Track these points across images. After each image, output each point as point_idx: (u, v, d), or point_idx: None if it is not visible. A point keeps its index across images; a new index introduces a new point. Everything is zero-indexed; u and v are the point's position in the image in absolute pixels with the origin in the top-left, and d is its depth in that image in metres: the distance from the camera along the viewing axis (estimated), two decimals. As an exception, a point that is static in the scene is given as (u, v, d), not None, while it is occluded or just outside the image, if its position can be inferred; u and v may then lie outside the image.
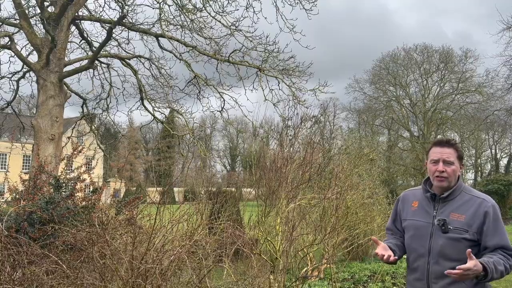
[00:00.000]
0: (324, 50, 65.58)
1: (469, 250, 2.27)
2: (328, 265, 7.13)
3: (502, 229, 2.46)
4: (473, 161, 54.07)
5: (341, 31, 75.08)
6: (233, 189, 10.90)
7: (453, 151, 2.55)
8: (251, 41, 11.96)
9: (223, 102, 13.37)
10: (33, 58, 11.73)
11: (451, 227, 2.45)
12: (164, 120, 15.27)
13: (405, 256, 2.78)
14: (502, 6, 41.97)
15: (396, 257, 2.58)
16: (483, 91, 39.65)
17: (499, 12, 40.03)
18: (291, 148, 6.70)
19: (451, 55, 42.43)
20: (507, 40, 24.02)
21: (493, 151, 54.78)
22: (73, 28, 12.05)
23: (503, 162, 54.18)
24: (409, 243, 2.65)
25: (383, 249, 2.56)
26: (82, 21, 12.36)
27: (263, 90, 12.51)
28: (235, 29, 11.81)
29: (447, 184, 2.53)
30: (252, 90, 12.85)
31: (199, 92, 13.57)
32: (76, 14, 11.13)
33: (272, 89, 12.63)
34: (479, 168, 55.45)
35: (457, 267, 2.23)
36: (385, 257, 2.51)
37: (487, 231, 2.42)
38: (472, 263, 2.23)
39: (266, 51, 12.12)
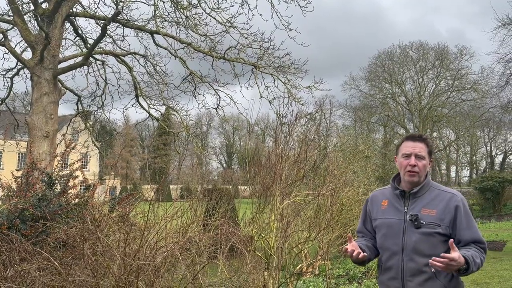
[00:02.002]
0: (319, 47, 65.70)
1: (451, 240, 2.25)
2: (323, 262, 7.15)
3: (473, 222, 2.48)
4: (468, 158, 54.36)
5: (335, 28, 75.27)
6: (229, 186, 10.90)
7: (424, 146, 2.53)
8: (246, 38, 11.94)
9: (218, 99, 13.38)
10: (27, 55, 11.66)
11: (424, 222, 2.42)
12: (159, 117, 15.21)
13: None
14: (497, 4, 42.09)
15: (365, 254, 2.51)
16: (478, 89, 39.87)
17: (493, 10, 40.09)
18: (286, 145, 6.68)
19: (446, 53, 42.65)
20: (501, 38, 24.14)
21: (488, 148, 55.14)
22: (67, 24, 11.97)
23: (498, 159, 54.54)
24: (382, 242, 2.59)
25: (353, 246, 2.50)
26: (76, 18, 12.29)
27: (258, 87, 12.51)
28: (230, 26, 11.78)
29: (417, 179, 2.51)
30: (247, 87, 12.88)
31: (195, 89, 13.57)
32: (71, 10, 11.07)
33: (268, 86, 12.63)
34: (474, 165, 55.75)
35: (441, 254, 2.20)
36: (354, 254, 2.45)
37: (460, 225, 2.43)
38: (457, 255, 2.20)
39: (261, 48, 12.11)
